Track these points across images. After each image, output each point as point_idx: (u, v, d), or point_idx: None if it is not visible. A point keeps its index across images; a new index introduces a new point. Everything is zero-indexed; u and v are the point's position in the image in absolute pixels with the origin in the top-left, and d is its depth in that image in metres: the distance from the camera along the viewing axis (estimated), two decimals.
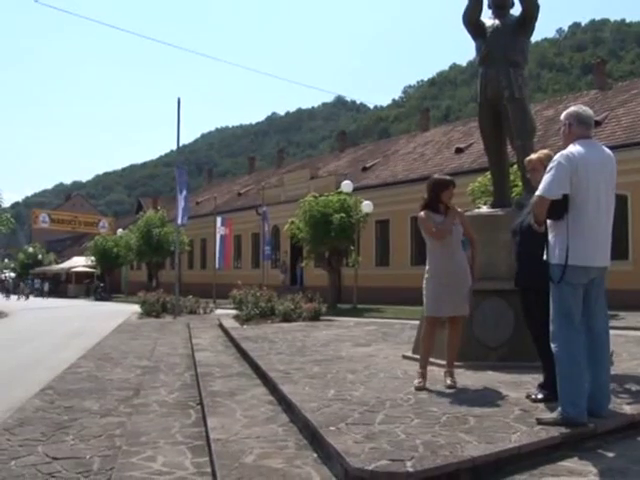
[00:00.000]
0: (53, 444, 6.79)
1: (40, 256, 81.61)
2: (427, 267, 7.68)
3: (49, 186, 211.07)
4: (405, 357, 9.75)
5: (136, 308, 29.92)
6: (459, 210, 7.66)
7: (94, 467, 6.00)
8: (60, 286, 68.88)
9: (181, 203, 28.49)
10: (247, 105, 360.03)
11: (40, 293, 63.76)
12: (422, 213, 7.61)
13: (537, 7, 9.93)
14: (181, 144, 31.19)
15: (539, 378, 6.76)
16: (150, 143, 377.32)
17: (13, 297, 57.14)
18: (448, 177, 7.96)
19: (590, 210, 5.55)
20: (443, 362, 7.77)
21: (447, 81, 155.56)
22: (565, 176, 5.57)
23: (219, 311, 27.42)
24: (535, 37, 10.93)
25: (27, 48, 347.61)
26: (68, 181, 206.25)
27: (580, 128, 5.76)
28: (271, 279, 35.29)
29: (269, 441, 5.89)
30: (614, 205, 5.78)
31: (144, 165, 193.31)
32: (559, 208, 5.60)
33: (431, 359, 7.97)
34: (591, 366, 5.67)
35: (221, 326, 18.43)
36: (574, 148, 5.69)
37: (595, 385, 5.67)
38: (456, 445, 4.99)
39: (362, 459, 4.66)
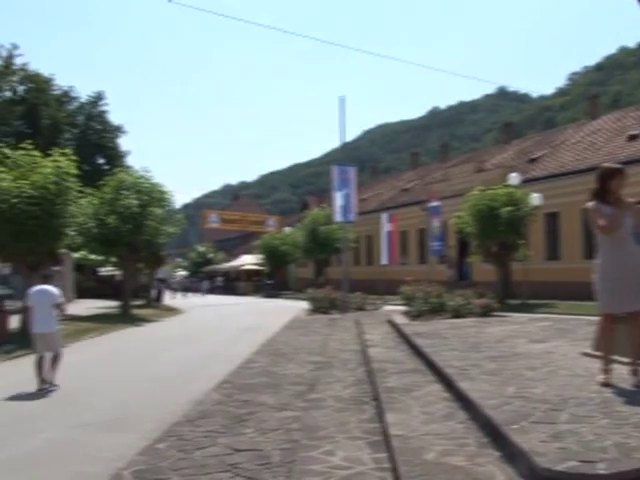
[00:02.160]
0: (233, 436, 7.02)
1: (210, 255, 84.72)
2: (598, 261, 7.34)
3: (217, 187, 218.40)
4: (585, 354, 9.38)
5: (304, 305, 30.43)
6: (631, 201, 7.25)
7: (274, 460, 6.15)
8: (230, 284, 71.20)
9: (340, 200, 28.82)
10: (408, 100, 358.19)
11: (211, 289, 66.52)
12: (590, 204, 7.28)
13: None
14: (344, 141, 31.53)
15: None
16: (313, 142, 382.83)
17: (183, 295, 59.35)
18: (617, 165, 7.56)
19: None
20: (628, 360, 7.41)
21: (616, 65, 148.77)
22: None
23: (387, 307, 27.49)
24: None
25: (192, 58, 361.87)
26: (234, 182, 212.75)
27: None
28: (437, 275, 34.99)
29: (449, 438, 5.82)
30: None
31: (308, 164, 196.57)
32: None
33: (615, 357, 7.63)
34: None
35: (391, 322, 18.45)
36: None
37: None
38: None
39: (550, 459, 4.51)
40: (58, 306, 11.44)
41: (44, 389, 10.81)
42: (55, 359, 11.22)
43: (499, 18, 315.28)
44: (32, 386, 11.07)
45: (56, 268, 26.48)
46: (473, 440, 5.77)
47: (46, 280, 12.01)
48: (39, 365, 11.02)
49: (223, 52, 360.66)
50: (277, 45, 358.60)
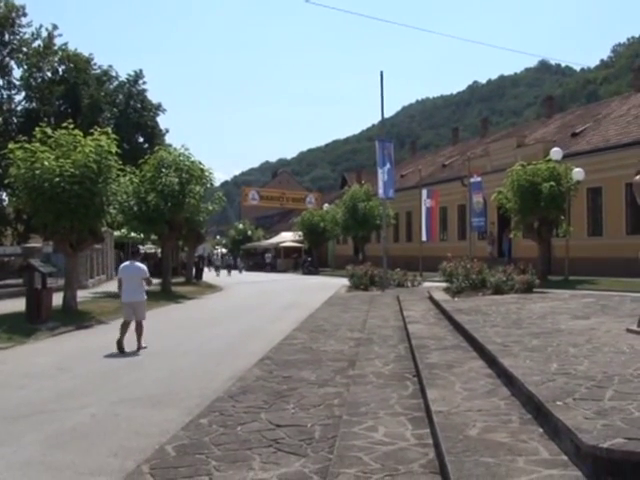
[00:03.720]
0: (275, 412, 7.07)
1: (249, 232, 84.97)
2: None
3: (255, 164, 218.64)
4: (630, 331, 9.25)
5: (344, 281, 30.46)
6: None
7: (316, 435, 6.19)
8: (270, 260, 71.43)
9: (383, 176, 28.76)
10: (447, 75, 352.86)
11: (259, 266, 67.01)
12: (638, 178, 7.14)
13: None
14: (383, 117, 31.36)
15: None
16: (352, 118, 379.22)
17: (226, 271, 59.57)
18: None
19: None
20: None
21: None
22: None
23: (427, 284, 27.42)
24: None
25: (244, 34, 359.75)
26: (273, 159, 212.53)
27: None
28: (478, 251, 34.73)
29: (492, 414, 5.79)
30: None
31: (347, 140, 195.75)
32: None
33: None
34: None
35: (431, 298, 18.40)
36: None
37: None
38: None
39: (595, 436, 4.44)
40: (146, 279, 13.21)
41: (123, 350, 12.28)
42: (139, 325, 12.84)
43: None
44: (75, 363, 11.28)
45: (97, 246, 26.82)
46: (516, 416, 5.73)
47: (134, 256, 15.03)
48: (124, 329, 12.57)
49: (263, 28, 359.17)
50: (316, 20, 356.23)
